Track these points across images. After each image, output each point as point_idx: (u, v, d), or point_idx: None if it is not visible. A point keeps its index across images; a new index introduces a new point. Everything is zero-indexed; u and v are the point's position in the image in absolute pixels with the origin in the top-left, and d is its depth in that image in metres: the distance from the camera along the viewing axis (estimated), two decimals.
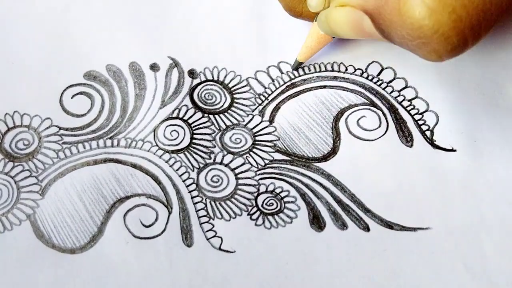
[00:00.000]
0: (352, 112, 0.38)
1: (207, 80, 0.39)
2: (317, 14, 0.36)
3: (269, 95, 0.39)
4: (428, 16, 0.27)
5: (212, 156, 0.36)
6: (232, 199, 0.35)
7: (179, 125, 0.37)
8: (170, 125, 0.37)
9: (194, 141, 0.37)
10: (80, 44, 0.40)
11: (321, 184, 0.36)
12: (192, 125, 0.37)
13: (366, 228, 0.34)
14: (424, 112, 0.38)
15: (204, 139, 0.37)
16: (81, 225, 0.34)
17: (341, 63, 0.40)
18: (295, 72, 0.39)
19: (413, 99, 0.38)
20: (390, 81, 0.39)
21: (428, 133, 0.37)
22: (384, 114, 0.38)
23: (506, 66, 0.39)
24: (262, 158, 0.36)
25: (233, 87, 0.39)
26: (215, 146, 0.37)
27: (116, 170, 0.36)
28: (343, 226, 0.34)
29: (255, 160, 0.36)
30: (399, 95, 0.38)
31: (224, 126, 0.37)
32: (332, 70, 0.39)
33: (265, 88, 0.39)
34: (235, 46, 0.40)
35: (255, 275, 0.33)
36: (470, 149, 0.37)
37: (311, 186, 0.36)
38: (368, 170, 0.36)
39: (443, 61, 0.30)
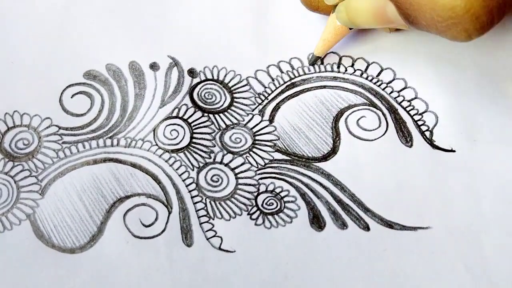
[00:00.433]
0: (352, 112, 0.38)
1: (207, 79, 0.39)
2: (334, 7, 0.37)
3: (269, 94, 0.39)
4: None
5: (212, 155, 0.36)
6: (232, 199, 0.35)
7: (179, 125, 0.37)
8: (170, 124, 0.37)
9: (194, 140, 0.37)
10: (80, 44, 0.40)
11: (321, 184, 0.36)
12: (192, 125, 0.37)
13: (366, 228, 0.34)
14: (423, 112, 0.38)
15: (204, 139, 0.37)
16: (81, 224, 0.34)
17: (341, 63, 0.40)
18: (295, 72, 0.39)
19: (412, 99, 0.38)
20: (390, 82, 0.39)
21: (427, 134, 0.37)
22: (384, 114, 0.38)
23: (506, 66, 0.39)
24: (262, 158, 0.36)
25: (233, 86, 0.39)
26: (215, 146, 0.37)
27: (116, 169, 0.36)
28: (343, 225, 0.35)
29: (255, 160, 0.36)
30: (398, 96, 0.38)
31: (224, 126, 0.37)
32: (332, 71, 0.39)
33: (265, 87, 0.39)
34: (235, 45, 0.40)
35: (255, 275, 0.33)
36: (470, 149, 0.37)
37: (311, 186, 0.36)
38: (368, 170, 0.36)
39: (471, 40, 0.31)
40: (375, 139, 0.37)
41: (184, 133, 0.37)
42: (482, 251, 0.34)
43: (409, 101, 0.38)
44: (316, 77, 0.39)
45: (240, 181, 0.36)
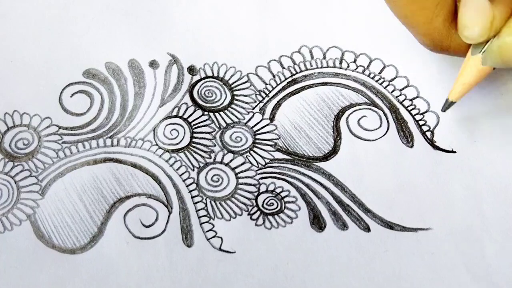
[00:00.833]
0: (353, 112, 0.38)
1: (207, 77, 0.39)
2: (471, 46, 0.33)
3: (270, 91, 0.38)
4: None
5: (212, 155, 0.36)
6: (233, 199, 0.35)
7: (179, 124, 0.37)
8: (170, 124, 0.37)
9: (194, 140, 0.37)
10: (79, 42, 0.39)
11: (321, 184, 0.36)
12: (192, 124, 0.37)
13: (367, 229, 0.34)
14: (425, 112, 0.38)
15: (204, 138, 0.37)
16: (81, 225, 0.34)
17: (343, 59, 0.39)
18: (296, 67, 0.39)
19: (414, 98, 0.38)
20: (392, 80, 0.39)
21: (428, 134, 0.37)
22: (385, 114, 0.38)
23: None
24: (263, 157, 0.36)
25: (233, 83, 0.39)
26: (215, 145, 0.37)
27: (116, 169, 0.36)
28: (344, 226, 0.34)
29: (255, 159, 0.36)
30: (400, 94, 0.38)
31: (224, 124, 0.37)
32: (334, 66, 0.39)
33: (266, 84, 0.38)
34: (235, 40, 0.40)
35: (255, 275, 0.33)
36: (470, 150, 0.36)
37: (311, 186, 0.35)
38: (369, 170, 0.36)
39: None
40: (376, 139, 0.37)
41: (184, 132, 0.37)
42: (483, 252, 0.34)
43: (410, 100, 0.38)
44: (318, 73, 0.39)
45: (241, 181, 0.36)
